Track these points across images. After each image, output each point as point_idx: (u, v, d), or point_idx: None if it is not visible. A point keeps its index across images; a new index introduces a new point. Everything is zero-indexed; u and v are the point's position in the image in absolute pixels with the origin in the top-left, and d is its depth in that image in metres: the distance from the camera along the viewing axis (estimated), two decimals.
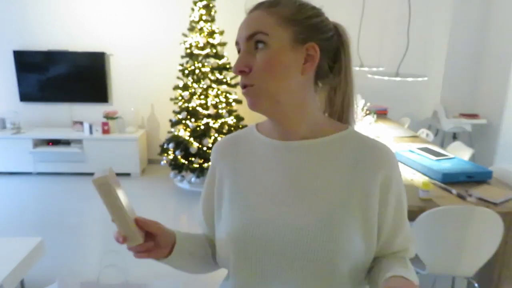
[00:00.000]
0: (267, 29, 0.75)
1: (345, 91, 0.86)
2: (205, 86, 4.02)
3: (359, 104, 3.53)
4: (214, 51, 4.06)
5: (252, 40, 0.76)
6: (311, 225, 0.75)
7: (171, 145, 4.05)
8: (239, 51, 0.79)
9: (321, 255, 0.74)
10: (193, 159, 4.02)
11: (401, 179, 0.84)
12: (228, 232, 0.81)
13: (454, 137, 4.86)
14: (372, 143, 0.81)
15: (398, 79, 2.92)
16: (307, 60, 0.78)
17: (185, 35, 4.10)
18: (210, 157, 0.94)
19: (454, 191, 2.11)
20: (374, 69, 3.89)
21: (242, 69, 0.76)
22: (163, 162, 4.23)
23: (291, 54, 0.76)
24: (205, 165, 4.05)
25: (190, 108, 4.06)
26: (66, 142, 4.73)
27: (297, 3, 0.79)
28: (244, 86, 0.78)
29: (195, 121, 4.04)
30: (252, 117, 0.88)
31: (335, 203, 0.77)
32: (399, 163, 2.58)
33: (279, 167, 0.81)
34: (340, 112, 0.87)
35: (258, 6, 0.79)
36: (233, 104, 4.24)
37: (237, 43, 0.80)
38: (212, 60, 4.01)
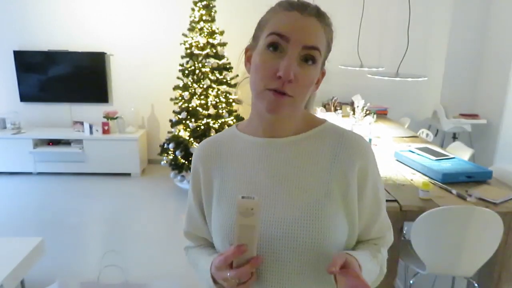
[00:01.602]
0: (321, 48, 0.78)
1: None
2: (205, 86, 4.02)
3: (359, 104, 3.53)
4: (214, 51, 4.06)
5: (307, 51, 0.75)
6: (296, 219, 0.78)
7: (171, 145, 4.05)
8: (275, 44, 0.75)
9: (308, 247, 0.77)
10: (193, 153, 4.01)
11: (377, 169, 0.88)
12: (218, 231, 0.84)
13: (454, 137, 4.86)
14: (349, 134, 0.86)
15: (398, 79, 2.92)
16: (318, 80, 0.84)
17: (185, 35, 4.10)
18: (192, 161, 0.94)
19: (454, 191, 2.11)
20: (374, 69, 3.89)
21: (292, 79, 0.73)
22: (163, 162, 4.23)
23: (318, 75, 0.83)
24: None
25: (190, 108, 4.06)
26: (66, 142, 4.73)
27: (332, 25, 0.81)
28: (281, 93, 0.75)
29: (195, 121, 4.04)
30: None
31: (318, 194, 0.80)
32: (399, 163, 2.60)
33: (265, 163, 0.84)
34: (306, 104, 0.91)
35: (311, 12, 0.77)
36: (233, 104, 4.24)
37: (283, 37, 0.75)
38: (212, 60, 4.01)
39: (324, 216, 0.78)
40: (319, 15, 0.78)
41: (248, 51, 0.85)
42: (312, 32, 0.76)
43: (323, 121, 0.89)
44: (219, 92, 4.11)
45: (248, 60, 0.84)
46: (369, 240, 0.89)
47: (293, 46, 0.74)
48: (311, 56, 0.76)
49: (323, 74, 0.85)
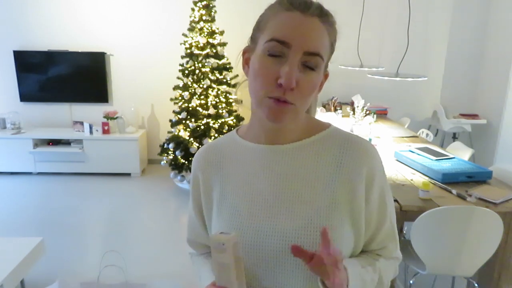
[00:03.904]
0: (324, 53, 0.72)
1: None
2: (205, 86, 4.02)
3: (359, 104, 3.53)
4: (214, 51, 4.06)
5: (309, 57, 0.70)
6: (300, 230, 0.75)
7: (171, 145, 4.05)
8: (274, 51, 0.71)
9: None
10: (193, 159, 4.01)
11: (384, 176, 0.83)
12: None
13: (454, 137, 4.86)
14: (354, 139, 0.81)
15: (398, 79, 2.92)
16: (321, 83, 0.78)
17: (185, 35, 4.10)
18: (192, 167, 0.91)
19: (454, 191, 2.11)
20: (374, 69, 3.89)
21: (293, 87, 0.69)
22: (163, 162, 4.23)
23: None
24: None
25: (190, 108, 4.06)
26: (67, 142, 4.73)
27: (336, 23, 0.75)
28: (283, 101, 0.71)
29: (195, 121, 4.04)
30: None
31: (323, 204, 0.77)
32: (399, 163, 2.60)
33: (266, 172, 0.81)
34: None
35: (314, 12, 0.71)
36: (233, 104, 4.24)
37: (283, 43, 0.70)
38: (212, 60, 4.01)
39: (328, 227, 0.74)
40: (323, 14, 0.72)
41: (246, 53, 0.80)
42: (315, 36, 0.70)
43: (327, 126, 0.84)
44: (219, 92, 4.11)
45: (246, 62, 0.80)
46: (373, 251, 0.86)
47: (294, 52, 0.69)
48: (313, 62, 0.71)
49: (326, 76, 0.79)
